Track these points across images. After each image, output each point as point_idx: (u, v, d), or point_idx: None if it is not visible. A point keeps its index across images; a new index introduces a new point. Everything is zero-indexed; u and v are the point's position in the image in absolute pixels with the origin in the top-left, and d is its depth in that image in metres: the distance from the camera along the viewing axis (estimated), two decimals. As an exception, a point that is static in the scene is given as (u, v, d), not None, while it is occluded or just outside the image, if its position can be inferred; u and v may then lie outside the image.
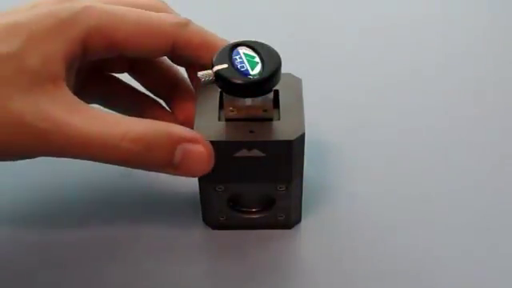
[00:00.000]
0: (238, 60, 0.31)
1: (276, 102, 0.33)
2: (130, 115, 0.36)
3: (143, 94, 0.38)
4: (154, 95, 0.38)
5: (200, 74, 0.31)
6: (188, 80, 0.37)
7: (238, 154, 0.32)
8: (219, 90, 0.33)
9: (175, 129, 0.31)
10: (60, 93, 0.30)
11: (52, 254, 0.35)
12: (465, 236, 0.36)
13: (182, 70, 0.37)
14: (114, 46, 0.32)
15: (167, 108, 0.38)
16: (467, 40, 0.46)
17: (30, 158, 0.31)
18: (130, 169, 0.32)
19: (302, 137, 0.32)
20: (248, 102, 0.32)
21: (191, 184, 0.35)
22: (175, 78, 0.37)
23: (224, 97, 0.32)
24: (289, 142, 0.32)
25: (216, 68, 0.31)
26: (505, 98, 0.43)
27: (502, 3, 0.47)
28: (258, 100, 0.32)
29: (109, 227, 0.37)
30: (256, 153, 0.32)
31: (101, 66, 0.37)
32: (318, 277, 0.34)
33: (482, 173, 0.39)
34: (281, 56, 0.32)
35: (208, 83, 0.31)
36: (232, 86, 0.31)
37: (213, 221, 0.36)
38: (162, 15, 0.34)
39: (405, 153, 0.40)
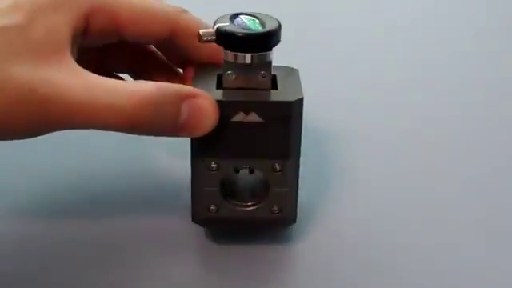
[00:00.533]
0: (240, 21, 0.32)
1: (274, 85, 0.33)
2: None
3: None
4: None
5: (202, 31, 0.31)
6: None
7: (235, 119, 0.31)
8: (216, 75, 0.33)
9: (181, 86, 0.31)
10: (63, 61, 0.30)
11: (51, 252, 0.34)
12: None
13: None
14: (115, 26, 0.32)
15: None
16: (466, 40, 0.47)
17: (33, 133, 0.30)
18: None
19: (301, 102, 0.32)
20: (248, 59, 0.32)
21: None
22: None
23: (224, 59, 0.32)
24: (288, 104, 0.31)
25: (218, 25, 0.31)
26: (505, 98, 0.44)
27: (501, 3, 0.49)
28: (258, 60, 0.32)
29: (106, 227, 0.36)
30: (254, 117, 0.31)
31: (100, 64, 0.36)
32: None
33: (483, 172, 0.39)
34: (281, 51, 0.32)
35: (209, 41, 0.31)
36: (234, 39, 0.31)
37: (202, 213, 0.34)
38: (163, 1, 0.34)
39: (405, 152, 0.40)
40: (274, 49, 0.32)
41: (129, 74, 0.38)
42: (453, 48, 0.46)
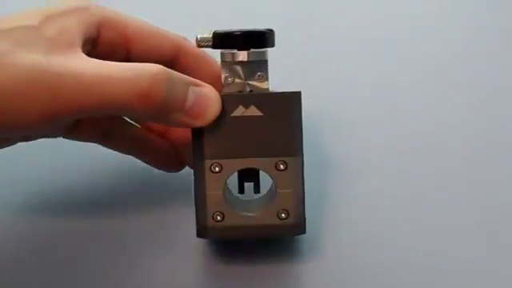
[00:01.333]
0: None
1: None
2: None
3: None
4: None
5: (199, 36, 0.32)
6: None
7: (234, 114, 0.31)
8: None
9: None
10: (76, 53, 0.30)
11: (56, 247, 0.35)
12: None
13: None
14: (123, 40, 0.34)
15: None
16: (466, 41, 0.46)
17: (45, 120, 0.29)
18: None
19: (299, 96, 0.32)
20: (244, 56, 0.32)
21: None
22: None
23: (222, 61, 0.33)
24: (287, 96, 0.32)
25: (214, 30, 0.32)
26: (505, 99, 0.43)
27: (502, 3, 0.48)
28: (255, 57, 0.32)
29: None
30: (253, 111, 0.31)
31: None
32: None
33: (484, 172, 0.39)
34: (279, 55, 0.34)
35: (206, 46, 0.32)
36: (231, 37, 0.32)
37: (208, 223, 0.32)
38: None
39: (405, 153, 0.40)
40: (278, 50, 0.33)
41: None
42: (452, 49, 0.45)
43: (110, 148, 0.37)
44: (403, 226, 0.37)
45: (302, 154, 0.33)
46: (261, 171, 0.33)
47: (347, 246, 0.36)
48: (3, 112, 0.28)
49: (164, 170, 0.37)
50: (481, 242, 0.35)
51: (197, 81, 0.31)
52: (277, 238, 0.34)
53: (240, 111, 0.32)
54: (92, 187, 0.38)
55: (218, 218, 0.32)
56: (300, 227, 0.33)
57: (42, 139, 0.34)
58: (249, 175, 0.33)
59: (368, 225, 0.37)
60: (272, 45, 0.33)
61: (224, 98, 0.31)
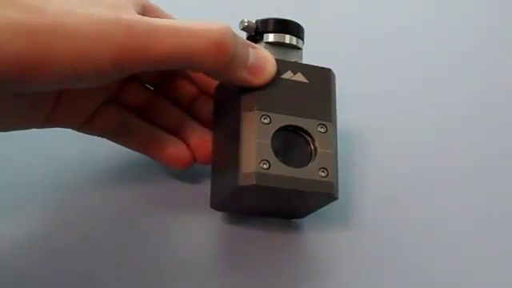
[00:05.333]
0: None
1: None
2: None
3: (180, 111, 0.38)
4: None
5: (243, 22, 0.36)
6: None
7: (284, 76, 0.35)
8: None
9: None
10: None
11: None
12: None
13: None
14: None
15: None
16: (470, 40, 0.48)
17: (118, 66, 0.29)
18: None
19: (334, 75, 0.36)
20: (287, 39, 0.36)
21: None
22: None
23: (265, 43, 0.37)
24: (328, 70, 0.36)
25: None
26: (505, 99, 0.45)
27: (501, 3, 0.51)
28: (295, 42, 0.37)
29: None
30: (300, 77, 0.35)
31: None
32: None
33: (483, 173, 0.41)
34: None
35: (249, 30, 0.36)
36: (279, 22, 0.36)
37: (255, 169, 0.32)
38: None
39: (405, 152, 0.41)
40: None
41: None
42: (453, 48, 0.47)
43: (121, 144, 0.37)
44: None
45: (336, 123, 0.36)
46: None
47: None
48: (81, 53, 0.28)
49: (173, 168, 0.38)
50: (481, 242, 0.37)
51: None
52: (312, 197, 0.34)
53: (288, 75, 0.35)
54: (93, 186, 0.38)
55: (265, 166, 0.33)
56: (335, 189, 0.34)
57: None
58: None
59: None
60: (303, 38, 0.38)
61: (276, 61, 0.35)
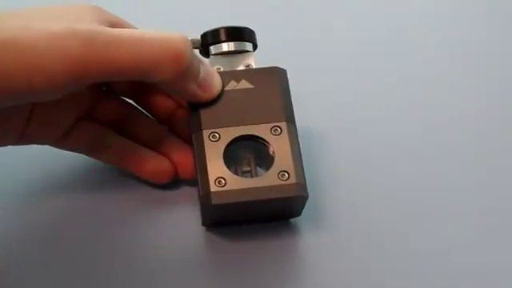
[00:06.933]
0: None
1: None
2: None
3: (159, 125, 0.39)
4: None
5: (190, 38, 0.36)
6: None
7: (227, 87, 0.34)
8: None
9: None
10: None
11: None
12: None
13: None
14: None
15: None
16: (467, 41, 0.47)
17: (72, 81, 0.30)
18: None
19: (285, 71, 0.36)
20: (231, 46, 0.36)
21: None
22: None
23: (211, 56, 0.36)
24: (273, 70, 0.35)
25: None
26: (506, 99, 0.44)
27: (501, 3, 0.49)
28: (239, 47, 0.36)
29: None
30: (244, 84, 0.34)
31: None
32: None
33: (484, 173, 0.40)
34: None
35: (195, 46, 0.36)
36: (217, 32, 0.36)
37: (211, 189, 0.33)
38: None
39: (405, 153, 0.41)
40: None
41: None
42: (452, 49, 0.46)
43: (100, 159, 0.38)
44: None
45: (294, 121, 0.35)
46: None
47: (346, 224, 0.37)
48: (34, 65, 0.29)
49: (154, 182, 0.38)
50: (481, 242, 0.36)
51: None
52: (281, 202, 0.34)
53: (232, 85, 0.35)
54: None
55: (220, 183, 0.33)
56: (302, 188, 0.34)
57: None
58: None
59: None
60: (252, 40, 0.37)
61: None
